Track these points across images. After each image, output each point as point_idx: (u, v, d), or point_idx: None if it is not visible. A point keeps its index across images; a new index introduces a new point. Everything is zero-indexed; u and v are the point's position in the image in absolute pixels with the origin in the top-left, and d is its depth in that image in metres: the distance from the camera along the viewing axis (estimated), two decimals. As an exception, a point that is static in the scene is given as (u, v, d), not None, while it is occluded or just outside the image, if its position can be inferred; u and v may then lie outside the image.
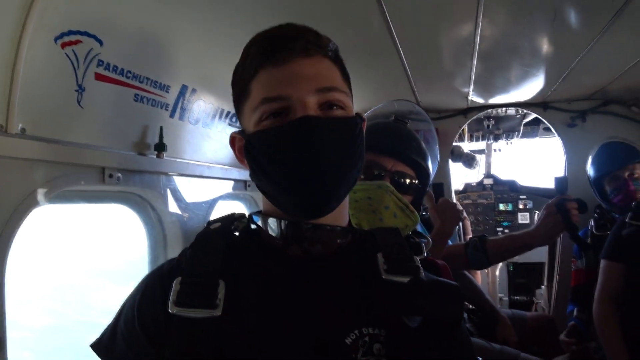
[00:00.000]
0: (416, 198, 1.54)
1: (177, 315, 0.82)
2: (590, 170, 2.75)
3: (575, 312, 2.61)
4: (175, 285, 0.85)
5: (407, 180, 1.49)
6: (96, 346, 0.92)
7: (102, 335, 0.93)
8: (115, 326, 0.92)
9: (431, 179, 1.63)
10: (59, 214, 1.59)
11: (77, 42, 1.25)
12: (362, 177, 1.44)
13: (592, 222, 2.75)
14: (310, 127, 0.84)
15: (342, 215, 0.98)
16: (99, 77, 1.35)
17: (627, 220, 2.24)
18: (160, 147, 1.61)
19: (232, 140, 1.00)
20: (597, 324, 2.23)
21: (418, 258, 0.98)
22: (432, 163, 1.64)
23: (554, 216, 1.94)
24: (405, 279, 0.91)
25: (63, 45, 1.23)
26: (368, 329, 0.87)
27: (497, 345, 2.34)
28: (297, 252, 0.93)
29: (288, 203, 0.89)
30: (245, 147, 0.93)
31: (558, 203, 1.92)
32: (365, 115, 0.99)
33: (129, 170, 1.52)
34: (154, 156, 1.62)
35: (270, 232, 0.95)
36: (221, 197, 2.20)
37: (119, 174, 1.48)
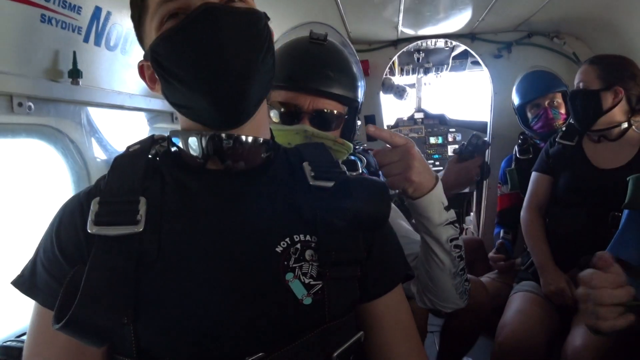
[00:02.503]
0: (346, 127, 1.43)
1: (97, 235, 0.78)
2: (514, 97, 2.85)
3: (501, 234, 2.77)
4: (94, 206, 0.81)
5: (330, 117, 1.35)
6: (17, 282, 0.86)
7: (23, 270, 0.88)
8: (35, 259, 0.86)
9: (361, 100, 1.49)
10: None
11: (-34, -51, 1.11)
12: (281, 110, 1.36)
13: (516, 148, 2.90)
14: (213, 16, 0.79)
15: (261, 128, 0.95)
16: (-4, -8, 1.21)
17: (556, 139, 2.36)
18: (75, 73, 1.47)
19: (141, 70, 0.94)
20: (524, 227, 2.41)
21: (354, 173, 0.98)
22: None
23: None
24: (331, 183, 0.91)
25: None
26: (299, 236, 0.87)
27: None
28: (219, 167, 0.90)
29: (203, 108, 0.84)
30: (152, 60, 0.86)
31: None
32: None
33: (41, 98, 1.39)
34: (69, 83, 1.49)
35: (192, 152, 0.91)
36: (146, 131, 2.10)
37: (30, 103, 1.34)
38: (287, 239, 0.87)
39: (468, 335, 2.38)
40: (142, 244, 0.80)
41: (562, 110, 2.68)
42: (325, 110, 1.34)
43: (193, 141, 0.90)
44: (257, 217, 0.88)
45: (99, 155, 1.71)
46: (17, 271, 0.88)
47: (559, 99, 2.69)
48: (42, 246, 0.87)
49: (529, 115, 2.77)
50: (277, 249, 0.85)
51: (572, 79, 3.04)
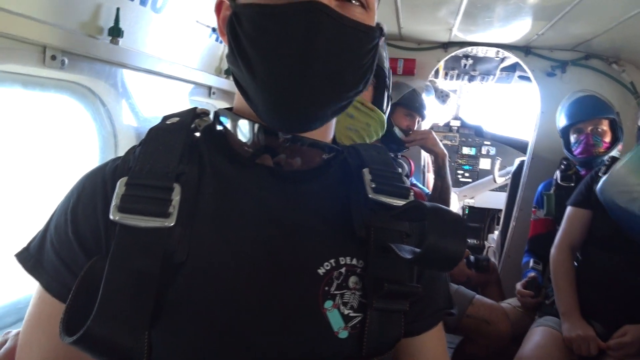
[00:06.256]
0: (376, 95, 1.41)
1: (120, 224, 0.66)
2: (558, 119, 2.73)
3: (531, 263, 2.64)
4: (120, 187, 0.69)
5: None
6: (21, 257, 0.76)
7: (29, 243, 0.77)
8: (45, 233, 0.76)
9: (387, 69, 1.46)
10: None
11: None
12: None
13: (557, 173, 2.77)
14: (317, 17, 0.66)
15: (326, 130, 0.83)
16: None
17: (600, 174, 2.23)
18: (116, 32, 1.37)
19: (219, 5, 0.80)
20: (553, 266, 2.28)
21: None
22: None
23: None
24: (398, 202, 0.78)
25: None
26: (346, 259, 0.75)
27: (454, 285, 2.36)
28: (269, 163, 0.78)
29: (263, 104, 0.72)
30: (230, 19, 0.73)
31: None
32: None
33: (76, 54, 1.29)
34: (108, 42, 1.39)
35: (240, 137, 0.79)
36: (182, 103, 2.01)
37: (64, 58, 1.24)
38: (332, 261, 0.75)
39: (482, 362, 2.30)
40: (171, 241, 0.68)
41: (607, 139, 2.53)
42: None
43: (244, 124, 0.78)
44: (303, 230, 0.76)
45: (129, 122, 1.62)
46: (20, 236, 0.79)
47: (604, 126, 2.54)
48: (54, 222, 0.76)
49: (572, 139, 2.65)
50: (319, 271, 0.73)
51: (626, 108, 2.95)
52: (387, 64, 1.42)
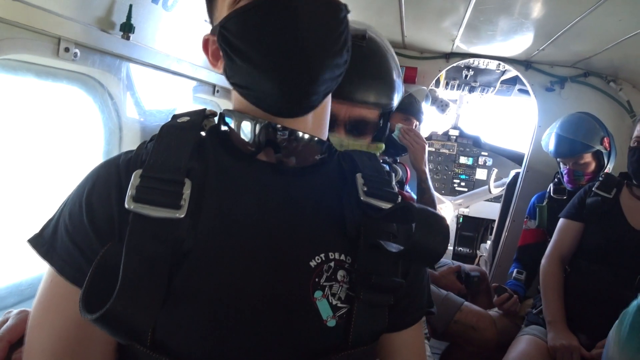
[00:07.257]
0: (379, 130, 1.37)
1: (134, 212, 0.71)
2: (545, 147, 2.77)
3: (514, 273, 2.69)
4: (135, 179, 0.73)
5: (365, 125, 1.28)
6: (35, 241, 0.79)
7: (43, 229, 0.81)
8: (58, 220, 0.80)
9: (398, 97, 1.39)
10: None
11: None
12: None
13: (551, 186, 2.82)
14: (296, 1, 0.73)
15: (321, 127, 0.89)
16: None
17: (593, 189, 2.29)
18: (128, 28, 1.42)
19: (205, 44, 0.88)
20: (542, 276, 2.34)
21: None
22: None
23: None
24: (387, 205, 0.85)
25: None
26: (335, 254, 0.81)
27: (443, 291, 2.39)
28: (271, 159, 0.85)
29: (266, 90, 0.77)
30: (219, 36, 0.79)
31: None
32: None
33: (88, 47, 1.34)
34: (119, 37, 1.44)
35: (243, 137, 0.85)
36: (186, 99, 2.04)
37: (77, 50, 1.29)
38: (322, 255, 0.81)
39: (467, 368, 2.33)
40: (180, 231, 0.74)
41: (590, 169, 2.58)
42: (362, 119, 1.26)
43: (246, 125, 0.84)
44: (298, 224, 0.83)
45: (135, 116, 1.66)
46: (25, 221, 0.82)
47: (586, 159, 2.57)
48: (67, 209, 0.80)
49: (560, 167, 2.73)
50: (310, 263, 0.80)
51: (621, 127, 3.00)
52: (397, 100, 1.37)
